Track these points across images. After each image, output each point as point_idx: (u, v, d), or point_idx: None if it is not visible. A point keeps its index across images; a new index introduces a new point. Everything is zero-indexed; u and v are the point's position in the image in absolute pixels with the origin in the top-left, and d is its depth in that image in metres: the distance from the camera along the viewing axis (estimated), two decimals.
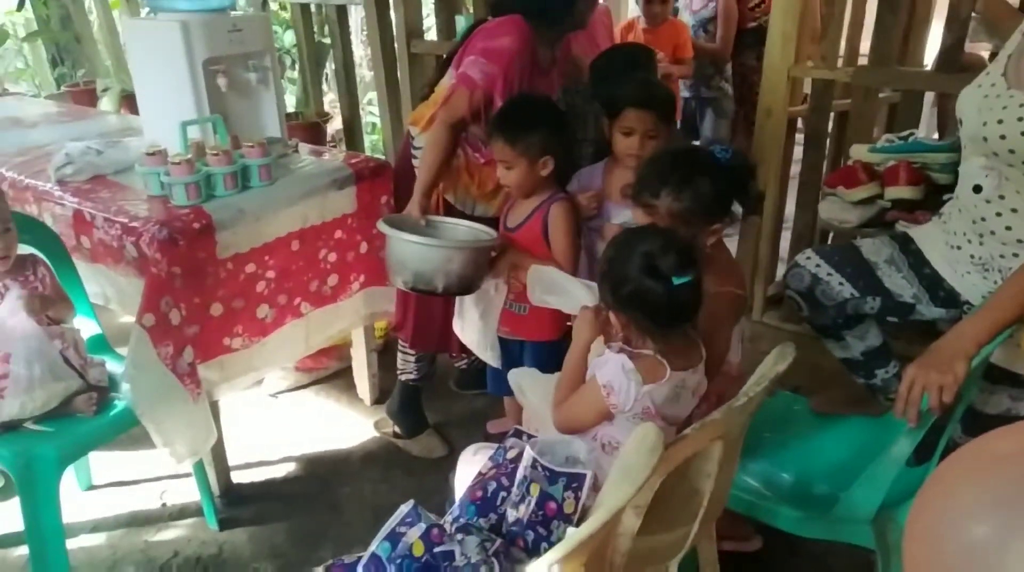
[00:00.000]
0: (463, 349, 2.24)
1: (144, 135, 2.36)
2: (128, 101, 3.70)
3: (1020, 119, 1.49)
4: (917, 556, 0.80)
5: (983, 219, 1.61)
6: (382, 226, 1.88)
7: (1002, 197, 1.57)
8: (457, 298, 2.02)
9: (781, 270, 2.78)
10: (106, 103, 3.83)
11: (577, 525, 1.21)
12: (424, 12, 3.30)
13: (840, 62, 2.54)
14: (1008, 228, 1.57)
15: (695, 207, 1.49)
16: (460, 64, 2.03)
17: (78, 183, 2.08)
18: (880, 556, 1.51)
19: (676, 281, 1.26)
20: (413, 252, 1.83)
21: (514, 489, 1.30)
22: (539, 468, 1.25)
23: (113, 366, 1.98)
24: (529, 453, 1.27)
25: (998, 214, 1.59)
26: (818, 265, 1.81)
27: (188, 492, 2.17)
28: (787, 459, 1.72)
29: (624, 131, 1.88)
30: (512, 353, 2.05)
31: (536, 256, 1.92)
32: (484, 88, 1.94)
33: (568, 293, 1.62)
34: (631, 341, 1.35)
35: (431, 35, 3.29)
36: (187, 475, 2.11)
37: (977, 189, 1.62)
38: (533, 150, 1.83)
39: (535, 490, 1.24)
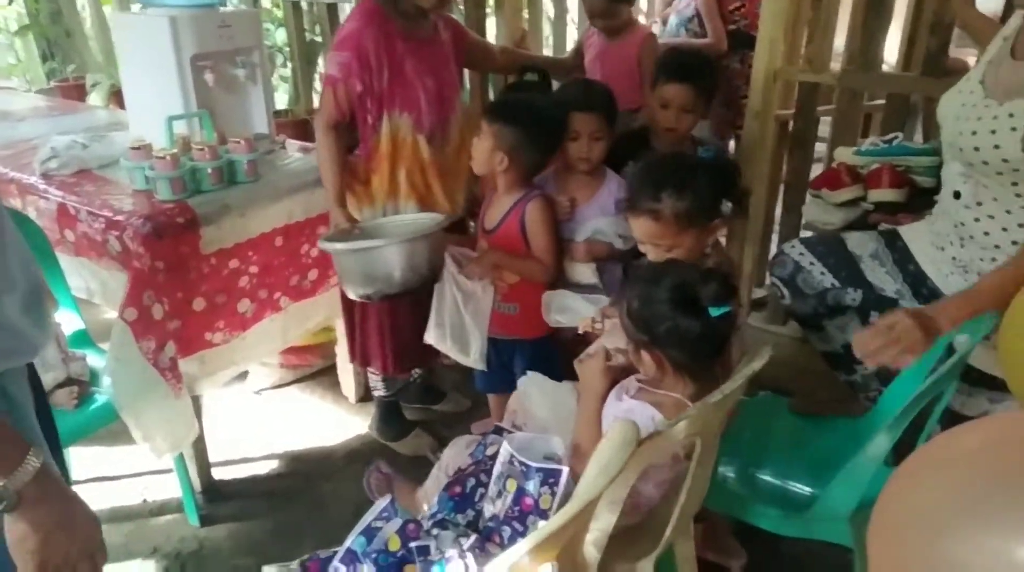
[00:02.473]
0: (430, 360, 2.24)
1: (131, 130, 2.36)
2: (118, 96, 3.66)
3: (993, 131, 1.49)
4: (881, 550, 0.81)
5: (963, 224, 1.62)
6: (328, 246, 1.88)
7: (980, 203, 1.58)
8: (434, 308, 1.99)
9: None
10: (95, 98, 3.81)
11: None
12: None
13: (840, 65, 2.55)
14: (986, 233, 1.58)
15: (698, 205, 1.49)
16: None
17: (63, 177, 2.08)
18: (858, 555, 1.52)
19: (715, 313, 1.24)
20: (376, 258, 1.81)
21: (491, 485, 1.31)
22: (515, 463, 1.25)
23: (95, 360, 1.98)
24: (506, 449, 1.27)
25: (976, 220, 1.60)
26: (801, 253, 1.84)
27: (169, 488, 2.17)
28: (767, 458, 1.72)
29: (571, 135, 1.89)
30: (503, 352, 2.05)
31: (516, 254, 1.93)
32: (344, 79, 1.93)
33: (578, 312, 1.70)
34: (659, 381, 1.34)
35: None
36: (168, 471, 2.11)
37: (957, 195, 1.64)
38: (500, 141, 1.85)
39: (511, 486, 1.24)
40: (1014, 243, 1.54)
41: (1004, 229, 1.55)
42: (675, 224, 1.49)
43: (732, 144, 3.69)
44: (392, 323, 2.16)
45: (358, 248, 1.83)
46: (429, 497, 1.64)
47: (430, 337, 2.03)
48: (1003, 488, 0.70)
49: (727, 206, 1.56)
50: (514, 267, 1.95)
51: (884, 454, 1.46)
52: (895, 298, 1.80)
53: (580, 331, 1.60)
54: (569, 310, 1.72)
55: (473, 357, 2.00)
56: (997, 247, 1.58)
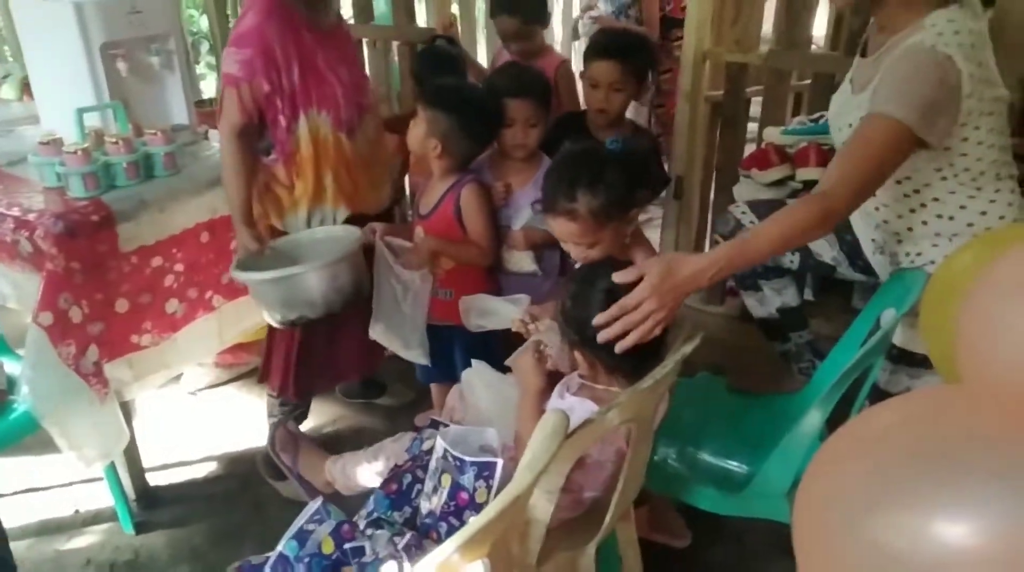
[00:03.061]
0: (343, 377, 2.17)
1: (42, 124, 2.24)
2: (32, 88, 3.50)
3: (850, 125, 1.52)
4: (805, 532, 0.82)
5: (868, 212, 1.70)
6: (242, 276, 1.78)
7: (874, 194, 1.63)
8: (375, 303, 1.95)
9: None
10: (7, 90, 3.60)
11: None
12: None
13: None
14: (885, 221, 1.65)
15: (612, 200, 1.48)
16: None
17: None
18: None
19: None
20: (297, 285, 1.73)
21: (427, 481, 1.29)
22: (449, 458, 1.23)
23: (14, 368, 1.89)
24: (440, 443, 1.25)
25: (876, 209, 1.67)
26: (743, 212, 1.89)
27: (102, 497, 2.09)
28: (706, 438, 1.74)
29: (505, 123, 1.87)
30: (443, 339, 2.02)
31: (452, 240, 1.90)
32: (247, 78, 1.76)
33: (499, 313, 1.67)
34: (595, 376, 1.33)
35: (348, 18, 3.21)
36: (100, 479, 2.03)
37: None
38: (435, 127, 1.82)
39: (446, 481, 1.23)
40: (910, 230, 1.61)
41: (899, 216, 1.62)
42: (593, 221, 1.47)
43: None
44: (299, 344, 2.02)
45: (278, 277, 1.72)
46: (347, 472, 1.60)
47: (375, 333, 1.98)
48: (918, 466, 0.71)
49: (642, 194, 1.56)
50: (452, 253, 1.92)
51: (817, 430, 1.49)
52: (832, 265, 1.85)
53: (513, 330, 1.58)
54: (490, 313, 1.69)
55: (415, 351, 1.97)
56: (897, 233, 1.65)
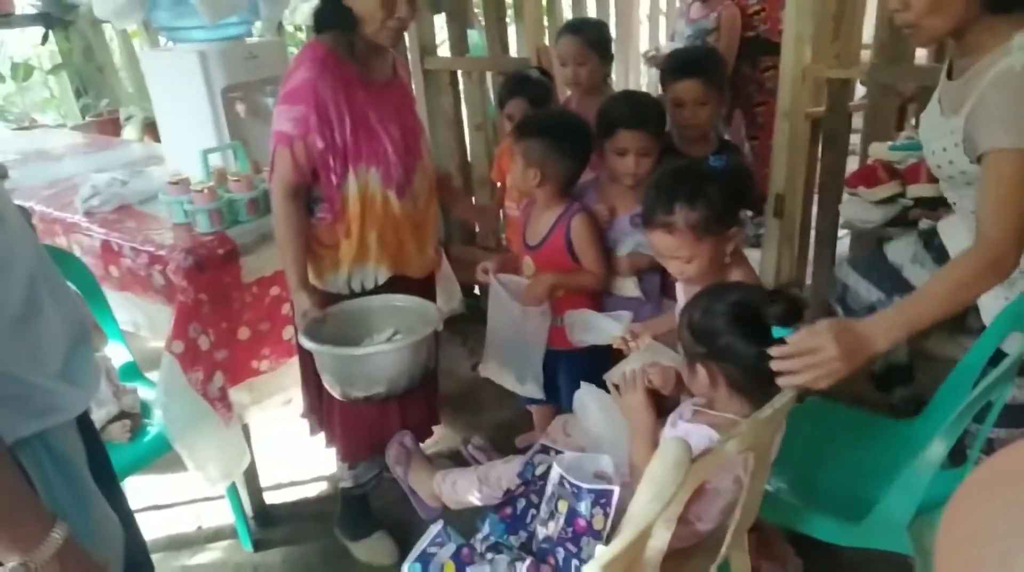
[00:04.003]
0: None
1: (167, 164, 2.41)
2: (151, 128, 3.75)
3: (944, 149, 1.48)
4: (948, 564, 0.79)
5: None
6: (318, 348, 1.67)
7: (973, 212, 1.57)
8: (488, 341, 1.99)
9: (809, 272, 2.75)
10: (129, 131, 3.89)
11: (607, 540, 1.21)
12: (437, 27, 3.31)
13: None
14: None
15: (711, 214, 1.48)
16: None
17: (104, 214, 2.12)
18: (919, 562, 1.49)
19: (778, 333, 1.22)
20: (384, 361, 1.65)
21: (543, 506, 1.31)
22: (566, 484, 1.24)
23: (145, 392, 2.02)
24: (556, 470, 1.27)
25: (969, 230, 1.59)
26: (847, 274, 1.89)
27: (223, 514, 2.21)
28: (821, 466, 1.69)
29: (618, 151, 1.89)
30: (548, 364, 2.01)
31: (565, 269, 1.92)
32: (302, 136, 1.69)
33: (600, 329, 1.68)
34: (712, 401, 1.33)
35: (444, 50, 3.30)
36: (221, 497, 2.14)
37: (952, 204, 1.66)
38: (529, 157, 1.86)
39: (563, 507, 1.24)
40: None
41: None
42: (690, 234, 1.46)
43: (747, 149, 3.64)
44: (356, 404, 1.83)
45: (366, 354, 1.66)
46: (457, 489, 1.63)
47: (488, 371, 2.02)
48: None
49: (743, 213, 1.56)
50: (569, 283, 1.93)
51: (941, 459, 1.43)
52: None
53: (614, 346, 1.59)
54: (593, 328, 1.70)
55: (530, 386, 1.98)
56: None
